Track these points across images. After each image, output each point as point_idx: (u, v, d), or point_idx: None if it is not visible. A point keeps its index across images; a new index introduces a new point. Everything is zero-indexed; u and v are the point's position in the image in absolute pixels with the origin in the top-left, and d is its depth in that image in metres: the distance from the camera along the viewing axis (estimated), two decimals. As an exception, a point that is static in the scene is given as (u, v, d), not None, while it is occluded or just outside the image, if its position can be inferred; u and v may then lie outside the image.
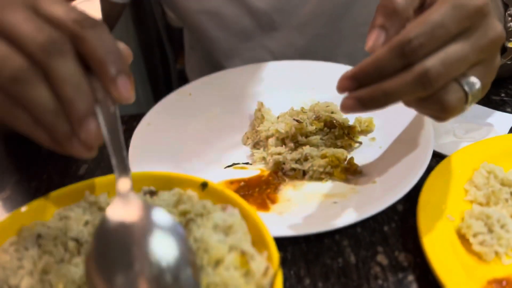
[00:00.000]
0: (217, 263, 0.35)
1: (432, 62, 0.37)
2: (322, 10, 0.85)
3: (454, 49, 0.38)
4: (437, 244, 0.44)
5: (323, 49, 0.93)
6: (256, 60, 0.95)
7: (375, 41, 0.40)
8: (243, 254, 0.35)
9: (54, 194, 0.44)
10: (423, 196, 0.48)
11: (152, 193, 0.44)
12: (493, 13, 0.39)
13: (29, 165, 0.66)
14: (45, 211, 0.43)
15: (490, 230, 0.45)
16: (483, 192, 0.49)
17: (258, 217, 0.39)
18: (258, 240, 0.38)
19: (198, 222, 0.39)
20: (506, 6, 0.50)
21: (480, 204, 0.49)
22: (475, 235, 0.45)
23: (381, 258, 0.47)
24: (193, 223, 0.39)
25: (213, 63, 0.99)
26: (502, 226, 0.45)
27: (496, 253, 0.44)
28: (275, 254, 0.35)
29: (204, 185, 0.44)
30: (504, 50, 0.50)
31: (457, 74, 0.39)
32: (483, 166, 0.52)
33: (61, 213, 0.42)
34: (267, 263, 0.35)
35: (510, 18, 0.48)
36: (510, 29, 0.48)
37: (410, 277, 0.45)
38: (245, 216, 0.40)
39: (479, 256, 0.44)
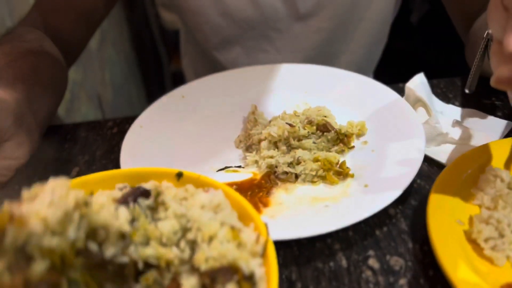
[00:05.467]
0: (211, 239, 0.36)
1: None
2: (329, 1, 0.86)
3: None
4: (449, 249, 0.43)
5: (327, 45, 0.93)
6: (256, 50, 0.94)
7: None
8: (233, 228, 0.38)
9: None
10: (431, 203, 0.48)
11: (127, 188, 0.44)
12: None
13: (20, 168, 0.66)
14: None
15: (501, 235, 0.45)
16: (491, 196, 0.49)
17: (238, 195, 0.41)
18: (243, 216, 0.40)
19: (184, 204, 0.40)
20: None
21: (488, 208, 0.49)
22: (486, 240, 0.45)
23: (373, 262, 0.47)
24: (179, 206, 0.39)
25: (208, 57, 0.99)
26: None
27: (508, 258, 0.44)
28: (262, 224, 0.38)
29: (179, 175, 0.44)
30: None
31: None
32: (489, 170, 0.52)
33: None
34: (257, 233, 0.38)
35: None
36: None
37: (402, 281, 0.45)
38: (226, 196, 0.41)
39: (490, 261, 0.44)
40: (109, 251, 0.34)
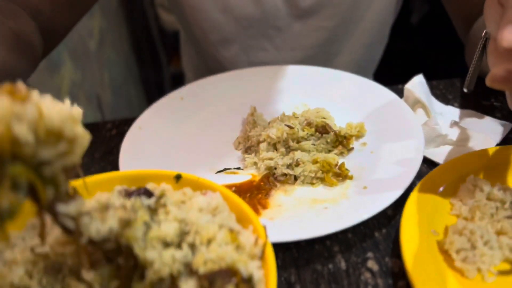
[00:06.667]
0: (209, 241, 0.36)
1: None
2: (329, 0, 0.85)
3: None
4: (419, 259, 0.42)
5: (327, 45, 0.92)
6: (256, 48, 0.94)
7: None
8: (231, 231, 0.37)
9: None
10: (407, 210, 0.47)
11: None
12: None
13: None
14: None
15: (473, 247, 0.44)
16: (469, 207, 0.48)
17: (237, 197, 0.41)
18: (241, 218, 0.40)
19: (182, 208, 0.39)
20: None
21: (465, 218, 0.48)
22: (458, 252, 0.44)
23: (372, 264, 0.47)
24: (177, 209, 0.39)
25: (207, 55, 0.98)
26: (486, 243, 0.44)
27: (479, 270, 0.43)
28: (260, 227, 0.38)
29: (178, 177, 0.44)
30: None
31: None
32: (470, 180, 0.51)
33: None
34: (255, 235, 0.38)
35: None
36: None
37: (401, 283, 0.45)
38: (225, 198, 0.41)
39: (461, 272, 0.43)
40: (62, 207, 0.31)
